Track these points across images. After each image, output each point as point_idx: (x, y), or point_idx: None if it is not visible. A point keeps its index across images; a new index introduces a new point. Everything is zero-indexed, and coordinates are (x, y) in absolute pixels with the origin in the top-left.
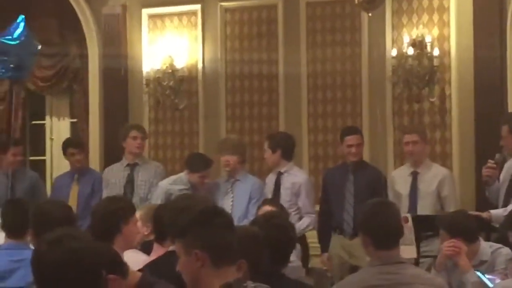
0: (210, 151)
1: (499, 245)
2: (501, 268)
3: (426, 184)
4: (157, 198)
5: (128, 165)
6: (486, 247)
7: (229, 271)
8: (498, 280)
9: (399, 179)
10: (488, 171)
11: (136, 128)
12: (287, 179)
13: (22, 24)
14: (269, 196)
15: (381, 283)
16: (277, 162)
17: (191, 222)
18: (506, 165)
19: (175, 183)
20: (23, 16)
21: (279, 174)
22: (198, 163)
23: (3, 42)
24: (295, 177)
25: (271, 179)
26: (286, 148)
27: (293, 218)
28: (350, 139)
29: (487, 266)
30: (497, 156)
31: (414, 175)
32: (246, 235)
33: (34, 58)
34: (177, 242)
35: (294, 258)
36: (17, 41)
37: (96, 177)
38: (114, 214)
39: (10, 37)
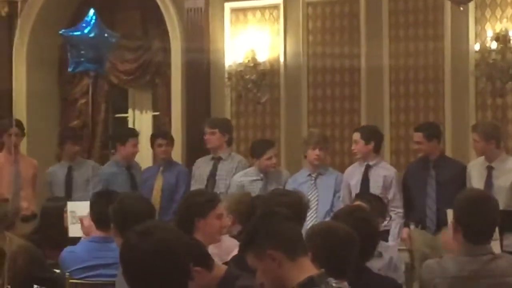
0: (292, 145)
1: None
2: None
3: (501, 179)
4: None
5: (213, 158)
6: None
7: (305, 262)
8: None
9: (474, 172)
10: None
11: (205, 122)
12: (377, 172)
13: (93, 18)
14: (354, 188)
15: (475, 274)
16: (368, 154)
17: (254, 228)
18: None
19: (246, 175)
20: (94, 10)
21: (368, 167)
22: (260, 146)
23: (76, 36)
24: (386, 170)
25: (357, 171)
26: (379, 141)
27: None
28: (414, 136)
29: None
30: None
31: (489, 170)
32: (336, 233)
33: (110, 50)
34: (248, 255)
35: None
36: (90, 35)
37: (181, 170)
38: (190, 209)
39: (82, 31)
